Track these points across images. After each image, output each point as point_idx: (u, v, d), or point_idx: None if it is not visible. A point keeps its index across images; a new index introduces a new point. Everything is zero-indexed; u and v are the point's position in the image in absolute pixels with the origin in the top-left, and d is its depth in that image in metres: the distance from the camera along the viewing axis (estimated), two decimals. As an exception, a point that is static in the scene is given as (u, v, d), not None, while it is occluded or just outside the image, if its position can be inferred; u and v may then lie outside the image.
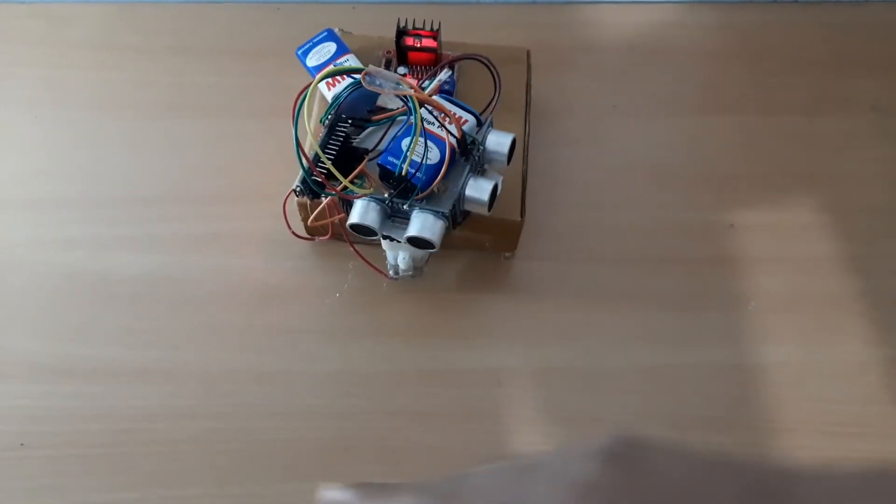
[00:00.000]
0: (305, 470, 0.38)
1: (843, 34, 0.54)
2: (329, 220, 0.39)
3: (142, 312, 0.43)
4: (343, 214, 0.38)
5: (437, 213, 0.35)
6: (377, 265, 0.42)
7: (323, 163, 0.35)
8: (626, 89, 0.51)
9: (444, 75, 0.39)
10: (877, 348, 0.42)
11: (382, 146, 0.37)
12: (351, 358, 0.42)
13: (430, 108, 0.36)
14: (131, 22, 0.53)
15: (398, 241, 0.37)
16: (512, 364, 0.42)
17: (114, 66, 0.51)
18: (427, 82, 0.43)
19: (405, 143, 0.35)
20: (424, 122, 0.36)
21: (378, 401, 0.41)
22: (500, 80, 0.42)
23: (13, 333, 0.42)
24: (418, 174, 0.35)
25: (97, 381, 0.41)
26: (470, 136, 0.36)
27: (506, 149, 0.37)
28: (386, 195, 0.36)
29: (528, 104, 0.44)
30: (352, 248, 0.41)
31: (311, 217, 0.39)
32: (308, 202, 0.41)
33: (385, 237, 0.37)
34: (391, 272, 0.42)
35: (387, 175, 0.35)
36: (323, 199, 0.38)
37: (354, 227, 0.36)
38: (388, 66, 0.44)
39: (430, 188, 0.35)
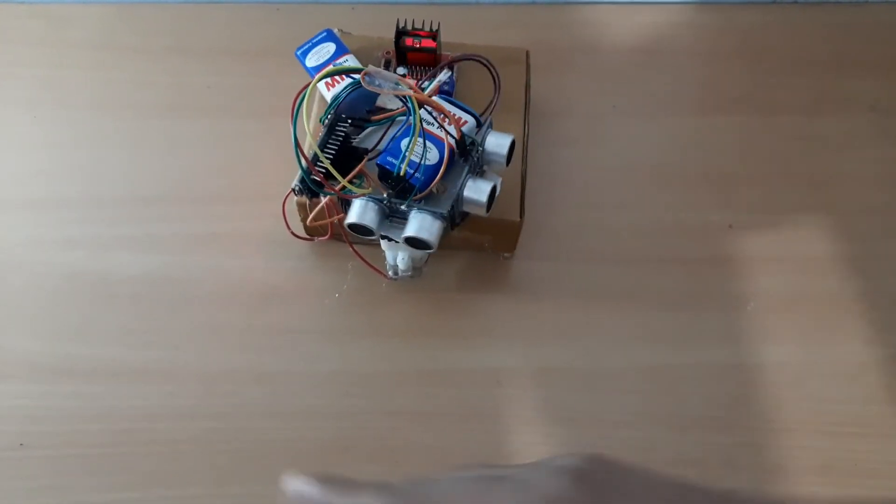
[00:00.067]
0: (305, 470, 0.38)
1: (842, 34, 0.54)
2: (328, 220, 0.39)
3: (142, 312, 0.43)
4: (342, 214, 0.38)
5: (435, 214, 0.35)
6: (376, 265, 0.42)
7: (322, 162, 0.35)
8: (625, 89, 0.51)
9: (443, 76, 0.39)
10: (876, 348, 0.42)
11: (382, 146, 0.37)
12: (350, 358, 0.42)
13: (429, 108, 0.36)
14: (131, 22, 0.53)
15: (396, 242, 0.37)
16: (511, 364, 0.42)
17: (114, 66, 0.51)
18: (426, 83, 0.43)
19: (404, 143, 0.35)
20: (424, 123, 0.36)
21: (377, 401, 0.41)
22: (499, 81, 0.42)
23: (13, 333, 0.42)
24: (417, 174, 0.35)
25: (97, 381, 0.41)
26: (469, 137, 0.36)
27: (505, 150, 0.37)
28: (384, 195, 0.36)
29: (527, 104, 0.44)
30: (351, 249, 0.42)
31: (310, 217, 0.39)
32: (307, 202, 0.41)
33: (383, 237, 0.37)
34: (390, 272, 0.42)
35: (385, 175, 0.35)
36: (322, 198, 0.38)
37: (352, 226, 0.36)
38: (387, 66, 0.44)
39: (429, 189, 0.35)
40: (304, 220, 0.43)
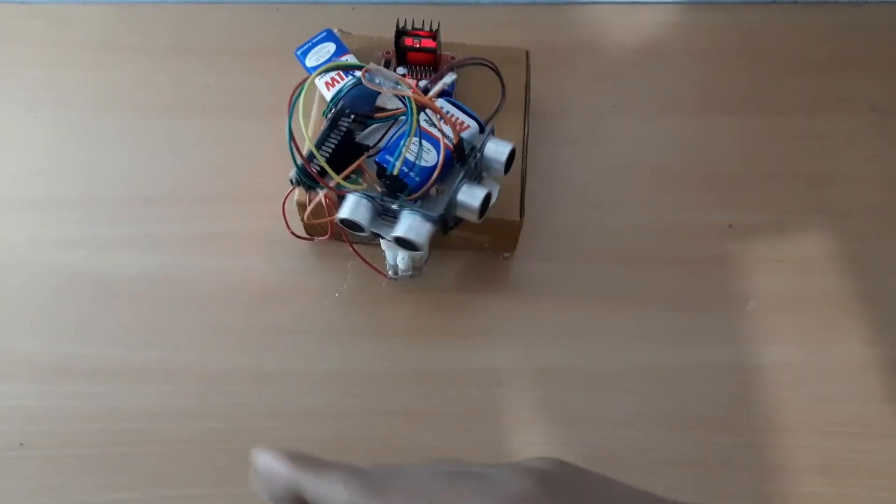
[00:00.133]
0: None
1: (842, 34, 0.54)
2: (328, 218, 0.39)
3: (142, 312, 0.43)
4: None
5: (426, 216, 0.35)
6: (376, 265, 0.42)
7: (317, 159, 0.35)
8: (625, 90, 0.51)
9: (448, 79, 0.38)
10: (876, 348, 0.42)
11: (383, 144, 0.37)
12: (350, 358, 0.42)
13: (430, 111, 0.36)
14: (131, 22, 0.53)
15: (388, 241, 0.37)
16: (511, 364, 0.42)
17: (113, 66, 0.51)
18: (425, 81, 0.43)
19: (405, 142, 0.35)
20: (426, 124, 0.36)
21: (377, 401, 0.41)
22: (505, 87, 0.41)
23: (13, 333, 0.42)
24: (411, 173, 0.35)
25: (97, 381, 0.41)
26: (469, 143, 0.36)
27: (503, 157, 0.36)
28: (378, 193, 0.35)
29: (527, 104, 0.44)
30: (351, 249, 0.42)
31: (307, 212, 0.39)
32: (307, 201, 0.41)
33: (375, 234, 0.37)
34: (390, 272, 0.42)
35: (382, 172, 0.35)
36: (318, 192, 0.38)
37: (344, 221, 0.36)
38: (387, 66, 0.44)
39: (423, 190, 0.35)
40: (303, 219, 0.43)
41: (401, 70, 0.44)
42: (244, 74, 0.50)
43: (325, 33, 0.44)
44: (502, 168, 0.37)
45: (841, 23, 0.54)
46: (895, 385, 0.41)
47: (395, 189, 0.35)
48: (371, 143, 0.37)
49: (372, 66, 0.34)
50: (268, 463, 0.24)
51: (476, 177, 0.37)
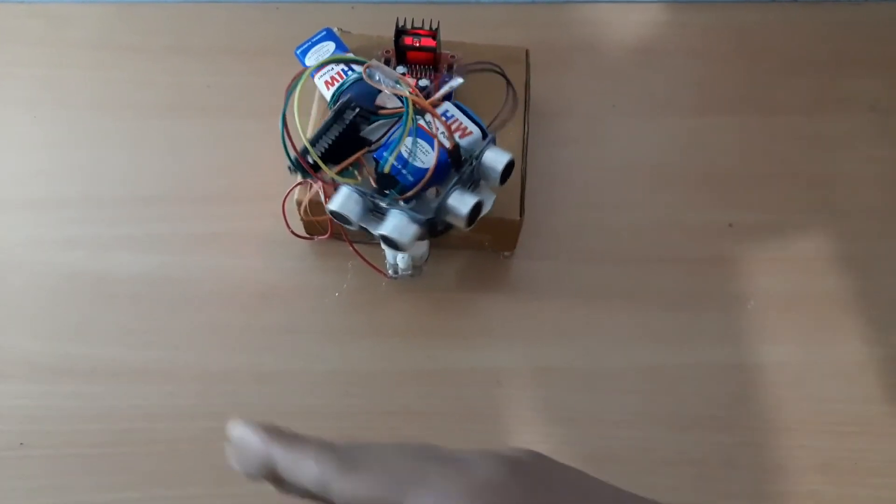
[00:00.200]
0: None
1: (842, 33, 0.54)
2: (328, 216, 0.39)
3: (142, 312, 0.43)
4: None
5: (413, 217, 0.35)
6: (376, 264, 0.42)
7: (316, 152, 0.35)
8: (625, 89, 0.51)
9: (456, 83, 0.38)
10: (876, 347, 0.42)
11: (384, 141, 0.37)
12: (350, 357, 0.42)
13: (438, 112, 0.36)
14: (130, 22, 0.53)
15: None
16: (511, 364, 0.42)
17: (113, 65, 0.51)
18: (425, 81, 0.43)
19: (400, 142, 0.35)
20: (428, 126, 0.35)
21: (377, 400, 0.41)
22: (510, 94, 0.41)
23: (13, 333, 0.42)
24: (404, 171, 0.35)
25: (97, 381, 0.41)
26: (469, 149, 0.36)
27: (500, 167, 0.36)
28: (371, 189, 0.35)
29: (527, 104, 0.44)
30: (351, 248, 0.41)
31: (303, 206, 0.38)
32: (306, 199, 0.41)
33: (363, 229, 0.37)
34: (390, 271, 0.42)
35: (377, 168, 0.35)
36: (313, 183, 0.37)
37: (333, 213, 0.36)
38: (387, 65, 0.44)
39: (415, 190, 0.34)
40: (303, 218, 0.43)
41: (400, 69, 0.44)
42: (244, 74, 0.50)
43: (324, 32, 0.44)
44: (498, 177, 0.36)
45: (841, 22, 0.54)
46: (894, 384, 0.41)
47: (385, 186, 0.35)
48: (374, 138, 0.37)
49: (374, 62, 0.34)
50: (242, 434, 0.24)
51: (472, 184, 0.37)
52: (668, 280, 0.44)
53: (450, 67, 0.44)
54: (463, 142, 0.36)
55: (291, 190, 0.42)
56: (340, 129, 0.36)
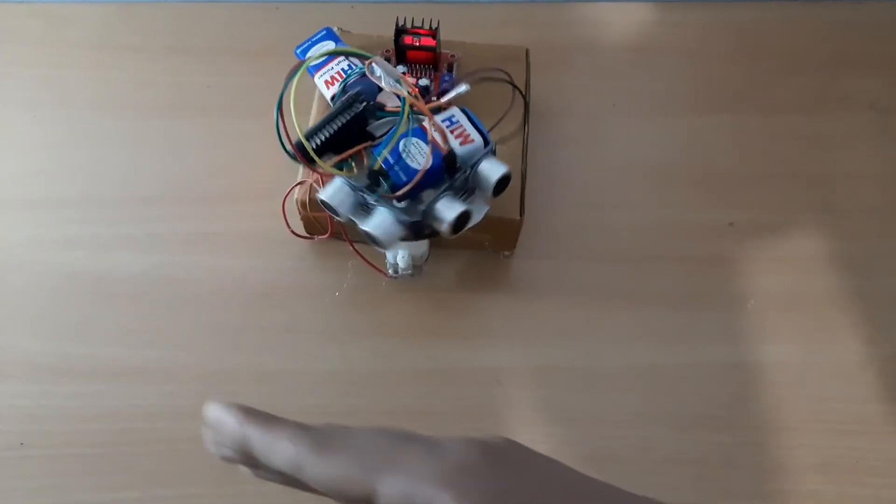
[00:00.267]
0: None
1: (842, 33, 0.54)
2: (327, 214, 0.38)
3: (141, 312, 0.43)
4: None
5: (398, 217, 0.35)
6: (376, 264, 0.42)
7: (313, 145, 0.35)
8: (625, 88, 0.51)
9: (463, 88, 0.38)
10: (876, 347, 0.42)
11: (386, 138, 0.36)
12: (350, 357, 0.42)
13: (443, 116, 0.36)
14: (130, 21, 0.53)
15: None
16: (511, 363, 0.42)
17: (113, 65, 0.51)
18: (426, 80, 0.43)
19: (404, 141, 0.35)
20: (433, 129, 0.35)
21: (377, 400, 0.41)
22: (515, 101, 0.41)
23: (13, 333, 0.42)
24: (396, 167, 0.34)
25: (97, 381, 0.41)
26: (466, 156, 0.35)
27: (493, 179, 0.35)
28: (362, 184, 0.35)
29: (527, 103, 0.44)
30: (351, 248, 0.41)
31: (300, 198, 0.38)
32: (307, 200, 0.41)
33: (351, 221, 0.36)
34: (390, 271, 0.42)
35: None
36: (310, 171, 0.37)
37: (323, 202, 0.36)
38: (387, 65, 0.44)
39: (404, 190, 0.34)
40: (303, 218, 0.43)
41: (400, 68, 0.44)
42: (244, 74, 0.50)
43: (324, 32, 0.44)
44: (491, 189, 0.36)
45: (841, 21, 0.54)
46: (894, 383, 0.41)
47: (375, 182, 0.35)
48: (380, 134, 0.37)
49: (378, 58, 0.34)
50: (218, 415, 0.24)
51: (466, 192, 0.36)
52: (669, 280, 0.44)
53: (450, 67, 0.44)
54: (462, 149, 0.35)
55: (291, 190, 0.42)
56: (345, 120, 0.36)
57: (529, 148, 0.44)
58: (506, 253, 0.45)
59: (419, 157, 0.35)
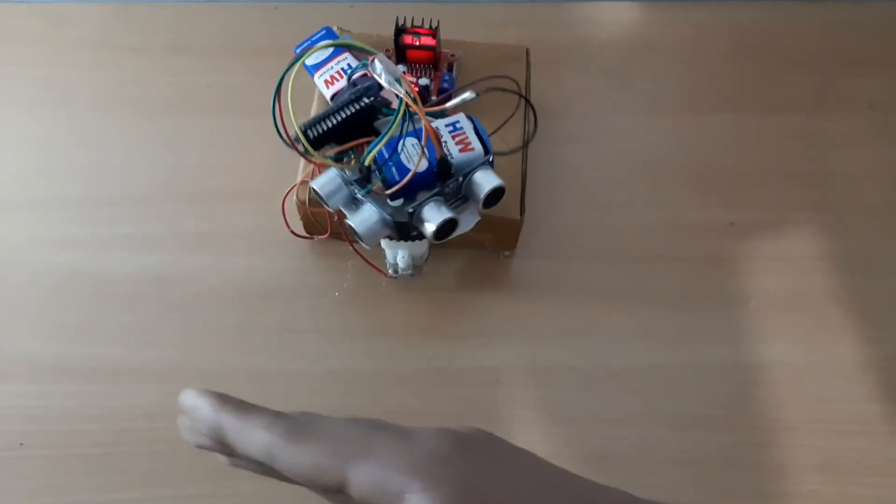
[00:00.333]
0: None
1: (842, 32, 0.54)
2: (326, 210, 0.38)
3: (141, 312, 0.43)
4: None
5: (383, 216, 0.34)
6: (376, 264, 0.42)
7: (309, 134, 0.35)
8: (625, 87, 0.51)
9: (468, 96, 0.37)
10: (877, 347, 0.42)
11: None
12: (350, 357, 0.42)
13: (449, 121, 0.35)
14: (129, 21, 0.53)
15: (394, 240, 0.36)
16: (511, 363, 0.42)
17: (112, 65, 0.51)
18: (426, 80, 0.43)
19: (403, 141, 0.35)
20: (437, 132, 0.35)
21: (377, 400, 0.41)
22: (520, 108, 0.40)
23: (13, 333, 0.42)
24: (390, 162, 0.34)
25: (97, 381, 0.41)
26: (459, 165, 0.35)
27: (484, 191, 0.35)
28: (354, 177, 0.35)
29: (528, 103, 0.44)
30: (351, 247, 0.41)
31: (296, 191, 0.38)
32: (307, 199, 0.41)
33: (342, 213, 0.36)
34: (390, 271, 0.42)
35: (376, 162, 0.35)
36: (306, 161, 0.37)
37: (314, 190, 0.36)
38: (387, 64, 0.44)
39: (393, 189, 0.34)
40: (303, 218, 0.43)
41: (401, 68, 0.44)
42: (243, 73, 0.50)
43: (324, 31, 0.44)
44: (481, 200, 0.35)
45: (841, 20, 0.54)
46: (895, 383, 0.41)
47: (366, 178, 0.35)
48: (382, 130, 0.36)
49: (381, 55, 0.34)
50: (193, 401, 0.24)
51: (459, 200, 0.36)
52: (669, 279, 0.44)
53: (450, 66, 0.44)
54: (460, 156, 0.35)
55: (291, 189, 0.42)
56: (349, 113, 0.35)
57: (530, 147, 0.44)
58: (506, 253, 0.45)
59: (416, 157, 0.35)
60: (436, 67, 0.44)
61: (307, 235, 0.44)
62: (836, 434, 0.40)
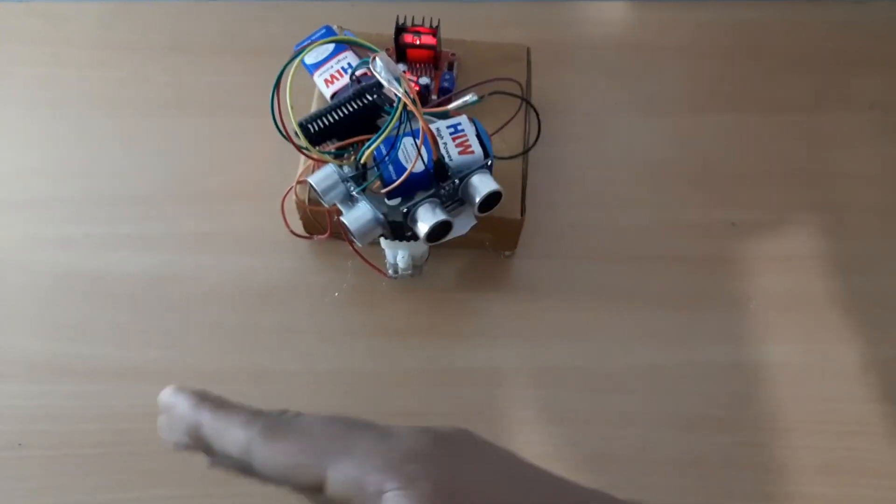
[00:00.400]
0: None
1: (843, 31, 0.54)
2: (325, 209, 0.38)
3: (140, 311, 0.43)
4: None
5: (376, 214, 0.34)
6: (376, 264, 0.42)
7: (310, 129, 0.34)
8: (626, 87, 0.51)
9: (470, 99, 0.37)
10: (878, 347, 0.42)
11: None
12: (350, 357, 0.42)
13: (450, 123, 0.35)
14: (128, 20, 0.53)
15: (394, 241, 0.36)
16: (512, 364, 0.42)
17: (111, 64, 0.51)
18: (426, 79, 0.43)
19: (400, 139, 0.35)
20: (436, 133, 0.35)
21: (377, 401, 0.40)
22: (524, 114, 0.40)
23: (11, 333, 0.42)
24: (387, 160, 0.34)
25: (96, 381, 0.41)
26: (456, 168, 0.35)
27: (479, 196, 0.34)
28: (351, 174, 0.35)
29: (528, 102, 0.44)
30: (351, 247, 0.41)
31: (295, 188, 0.38)
32: (307, 199, 0.41)
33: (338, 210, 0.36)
34: (390, 271, 0.42)
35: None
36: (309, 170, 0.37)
37: (310, 185, 0.35)
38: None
39: (388, 189, 0.34)
40: (302, 218, 0.43)
41: (401, 67, 0.44)
42: (243, 72, 0.50)
43: (323, 30, 0.43)
44: (476, 204, 0.35)
45: (841, 20, 0.54)
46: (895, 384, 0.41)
47: (361, 176, 0.35)
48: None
49: (383, 54, 0.34)
50: (170, 398, 0.24)
51: (455, 203, 0.36)
52: (669, 279, 0.44)
53: (450, 66, 0.44)
54: (459, 158, 0.35)
55: (291, 189, 0.42)
56: (352, 109, 0.35)
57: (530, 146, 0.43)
58: (506, 253, 0.45)
59: (413, 157, 0.35)
60: (436, 67, 0.44)
61: (307, 235, 0.44)
62: (836, 435, 0.40)
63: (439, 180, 0.35)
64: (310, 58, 0.42)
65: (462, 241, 0.43)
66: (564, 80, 0.51)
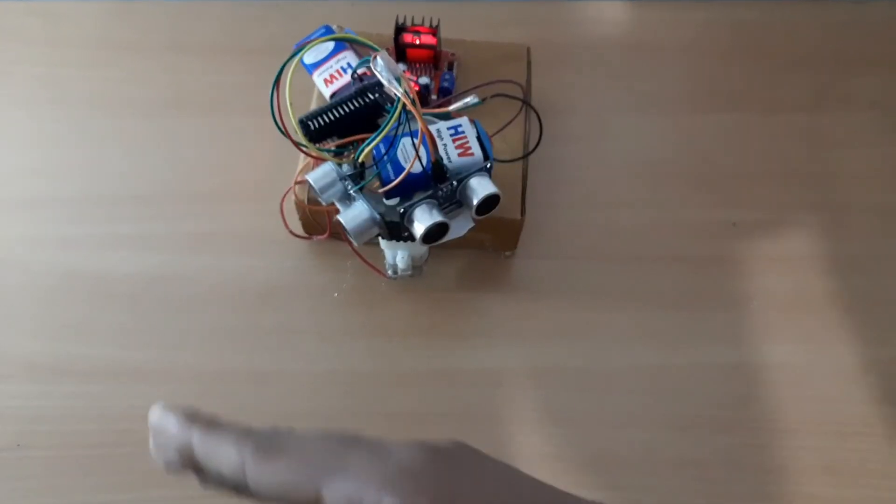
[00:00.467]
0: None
1: (844, 31, 0.54)
2: (325, 208, 0.38)
3: (140, 312, 0.43)
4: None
5: (373, 213, 0.34)
6: (376, 264, 0.42)
7: (310, 126, 0.34)
8: (626, 87, 0.51)
9: (471, 101, 0.37)
10: (880, 348, 0.42)
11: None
12: (349, 358, 0.42)
13: (451, 124, 0.35)
14: (128, 19, 0.53)
15: (393, 241, 0.36)
16: (512, 364, 0.42)
17: (111, 63, 0.51)
18: (426, 78, 0.43)
19: (399, 139, 0.35)
20: (437, 134, 0.35)
21: (377, 401, 0.40)
22: (526, 117, 0.40)
23: (11, 333, 0.42)
24: (386, 159, 0.34)
25: (96, 381, 0.41)
26: (455, 169, 0.35)
27: (477, 199, 0.34)
28: (349, 172, 0.35)
29: (528, 103, 0.44)
30: (350, 247, 0.41)
31: (298, 171, 0.37)
32: (306, 199, 0.41)
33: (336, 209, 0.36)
34: (390, 271, 0.42)
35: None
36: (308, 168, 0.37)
37: (309, 184, 0.35)
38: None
39: (386, 188, 0.34)
40: (302, 218, 0.43)
41: (401, 66, 0.44)
42: (243, 72, 0.50)
43: (323, 30, 0.43)
44: (474, 207, 0.35)
45: (842, 20, 0.54)
46: (897, 384, 0.41)
47: (359, 175, 0.35)
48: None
49: (384, 53, 0.34)
50: (160, 419, 0.23)
51: (453, 204, 0.36)
52: (671, 279, 0.44)
53: (450, 65, 0.44)
54: (459, 160, 0.35)
55: (290, 189, 0.42)
56: (353, 107, 0.35)
57: (530, 147, 0.43)
58: (507, 253, 0.45)
59: (412, 157, 0.35)
60: (436, 66, 0.44)
61: (306, 235, 0.44)
62: (837, 436, 0.40)
63: (437, 181, 0.35)
64: (309, 57, 0.42)
65: (462, 242, 0.43)
66: (564, 80, 0.51)
